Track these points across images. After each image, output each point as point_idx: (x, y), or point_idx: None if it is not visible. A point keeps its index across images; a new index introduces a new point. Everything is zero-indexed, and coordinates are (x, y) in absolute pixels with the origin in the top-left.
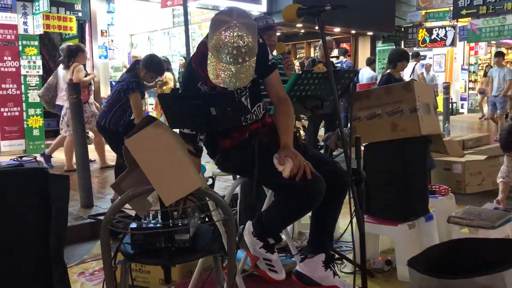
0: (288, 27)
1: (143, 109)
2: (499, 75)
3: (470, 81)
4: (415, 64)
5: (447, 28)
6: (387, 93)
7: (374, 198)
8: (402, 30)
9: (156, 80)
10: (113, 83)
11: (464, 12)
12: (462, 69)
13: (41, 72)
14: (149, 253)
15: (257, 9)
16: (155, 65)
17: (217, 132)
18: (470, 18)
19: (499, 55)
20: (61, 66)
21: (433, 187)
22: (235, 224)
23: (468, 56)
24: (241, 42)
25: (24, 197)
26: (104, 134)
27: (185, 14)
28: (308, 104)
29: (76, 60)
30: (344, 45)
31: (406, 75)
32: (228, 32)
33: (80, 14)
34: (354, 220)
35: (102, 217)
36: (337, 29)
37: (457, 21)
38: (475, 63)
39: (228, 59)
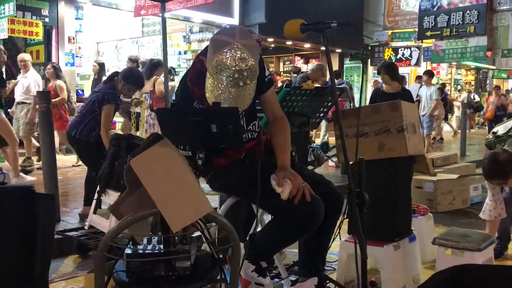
0: None
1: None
2: (426, 94)
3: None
4: (420, 86)
5: (412, 49)
6: (375, 112)
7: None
8: (369, 48)
9: (132, 97)
10: (79, 91)
11: (428, 33)
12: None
13: None
14: (146, 282)
15: (230, 22)
16: (134, 77)
17: (211, 149)
18: (434, 40)
19: (428, 74)
20: None
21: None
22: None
23: None
24: (243, 65)
25: (9, 217)
26: (74, 144)
27: (163, 22)
28: (295, 121)
29: (156, 74)
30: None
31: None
32: (230, 54)
33: (47, 19)
34: (337, 239)
35: (71, 233)
36: (307, 45)
37: (422, 42)
38: (436, 83)
39: (228, 81)
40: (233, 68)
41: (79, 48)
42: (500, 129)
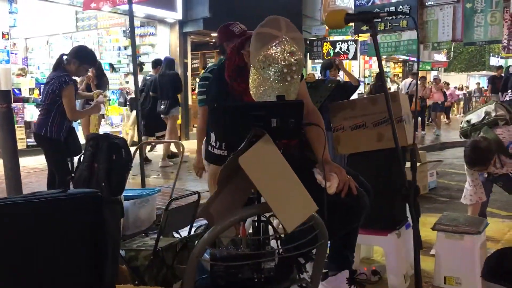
0: (200, 35)
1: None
2: None
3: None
4: (411, 81)
5: (349, 42)
6: (372, 104)
7: None
8: (308, 43)
9: (94, 91)
10: (16, 90)
11: (364, 27)
12: (359, 81)
13: None
14: (233, 285)
15: (173, 17)
16: (89, 56)
17: None
18: (369, 34)
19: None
20: None
21: None
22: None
23: (363, 68)
24: (292, 59)
25: (79, 225)
26: (44, 144)
27: (130, 15)
28: None
29: None
30: None
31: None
32: (279, 48)
33: None
34: None
35: None
36: None
37: (358, 36)
38: (369, 76)
39: (276, 77)
40: (282, 63)
41: (14, 44)
42: (473, 118)
